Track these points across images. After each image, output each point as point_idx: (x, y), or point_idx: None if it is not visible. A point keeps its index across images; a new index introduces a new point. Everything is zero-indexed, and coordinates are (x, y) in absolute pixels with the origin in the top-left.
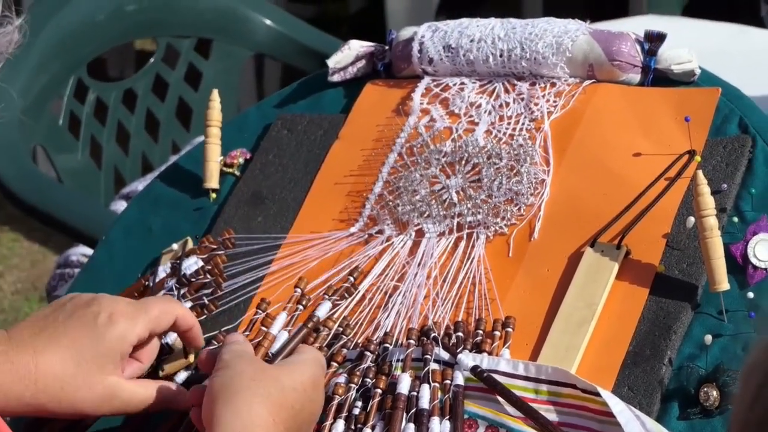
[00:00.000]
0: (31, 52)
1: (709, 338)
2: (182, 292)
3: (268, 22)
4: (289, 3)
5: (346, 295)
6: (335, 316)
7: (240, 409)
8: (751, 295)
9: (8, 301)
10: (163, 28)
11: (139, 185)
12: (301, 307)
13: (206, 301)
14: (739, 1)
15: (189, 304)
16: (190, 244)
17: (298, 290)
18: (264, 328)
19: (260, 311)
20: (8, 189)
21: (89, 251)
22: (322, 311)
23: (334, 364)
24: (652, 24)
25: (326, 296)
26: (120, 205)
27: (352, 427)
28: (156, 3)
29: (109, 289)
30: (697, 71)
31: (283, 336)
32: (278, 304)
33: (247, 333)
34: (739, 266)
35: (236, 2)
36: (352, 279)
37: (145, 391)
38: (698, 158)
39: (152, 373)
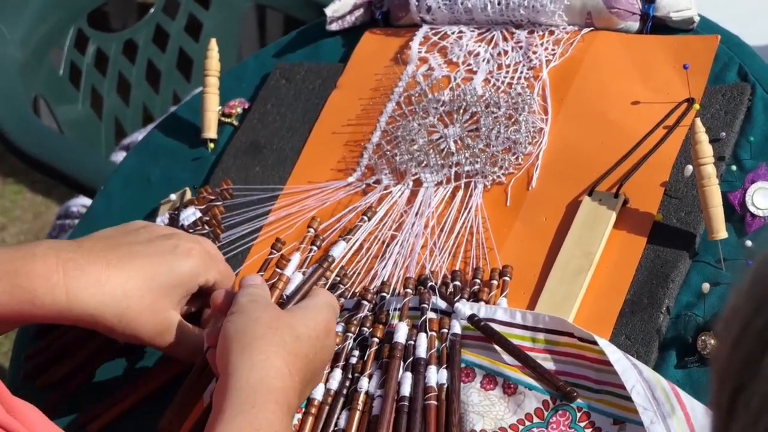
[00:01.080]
0: (30, 2)
1: (706, 286)
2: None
3: None
4: None
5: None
6: (332, 265)
7: (255, 360)
8: (749, 243)
9: None
10: None
11: (139, 136)
12: (314, 247)
13: None
14: None
15: None
16: (189, 195)
17: (311, 230)
18: (279, 270)
19: (275, 251)
20: (9, 141)
21: (89, 202)
22: (337, 251)
23: None
24: None
25: (341, 237)
26: (120, 156)
27: (350, 375)
28: None
29: None
30: (696, 18)
31: (298, 278)
32: (292, 244)
33: (261, 273)
34: (737, 214)
35: None
36: (365, 218)
37: (198, 335)
38: (697, 106)
39: None
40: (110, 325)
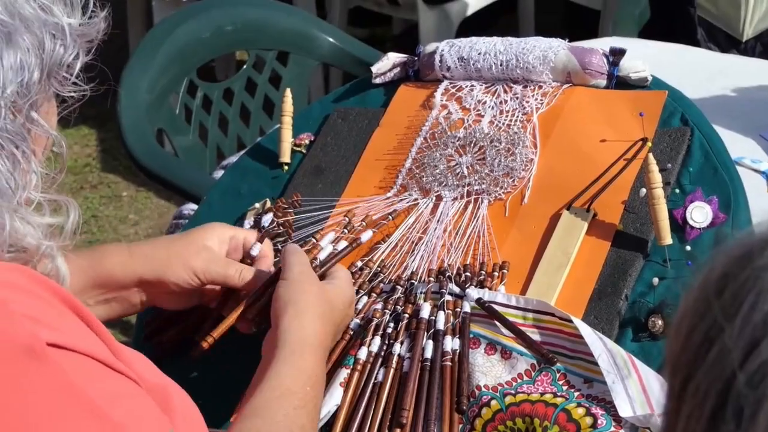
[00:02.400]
0: (154, 61)
1: (656, 280)
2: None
3: (330, 39)
4: (348, 26)
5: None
6: (375, 258)
7: (304, 325)
8: (688, 248)
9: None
10: (253, 43)
11: (234, 159)
12: (345, 231)
13: (279, 247)
14: (681, 28)
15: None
16: (268, 204)
17: (346, 219)
18: (313, 239)
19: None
20: (139, 162)
21: (196, 207)
22: (365, 237)
23: (374, 294)
24: (615, 43)
25: (372, 225)
26: (220, 174)
27: (386, 342)
28: (247, 24)
29: None
30: (650, 78)
31: (329, 248)
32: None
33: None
34: (679, 226)
35: (307, 25)
36: (390, 217)
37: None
38: (649, 144)
39: None
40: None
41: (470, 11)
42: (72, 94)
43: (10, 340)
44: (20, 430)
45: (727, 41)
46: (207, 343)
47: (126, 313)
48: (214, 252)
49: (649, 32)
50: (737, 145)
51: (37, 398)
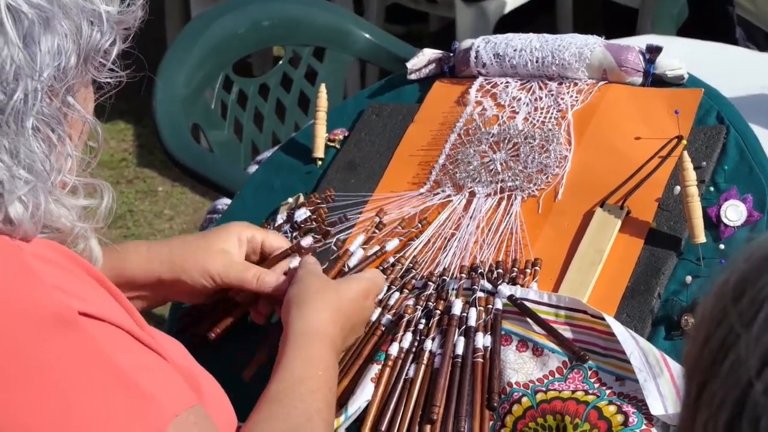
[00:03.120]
0: (191, 55)
1: (689, 279)
2: (294, 234)
3: (367, 35)
4: (385, 23)
5: (414, 239)
6: (407, 254)
7: (307, 315)
8: (722, 246)
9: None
10: (289, 38)
11: (268, 153)
12: (376, 230)
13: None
14: (719, 27)
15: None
16: (302, 199)
17: (377, 218)
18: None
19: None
20: (174, 157)
21: (230, 202)
22: (390, 246)
23: (405, 290)
24: (653, 41)
25: (398, 235)
26: (254, 169)
27: (418, 338)
28: (283, 20)
29: None
30: (686, 76)
31: (359, 253)
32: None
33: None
34: (713, 224)
35: (343, 20)
36: (419, 225)
37: (257, 270)
38: (684, 142)
39: None
40: (183, 267)
41: (508, 9)
42: (108, 80)
43: (41, 307)
44: (48, 394)
45: (766, 41)
46: (214, 334)
47: (147, 309)
48: (231, 255)
49: (687, 31)
50: None
51: (66, 364)
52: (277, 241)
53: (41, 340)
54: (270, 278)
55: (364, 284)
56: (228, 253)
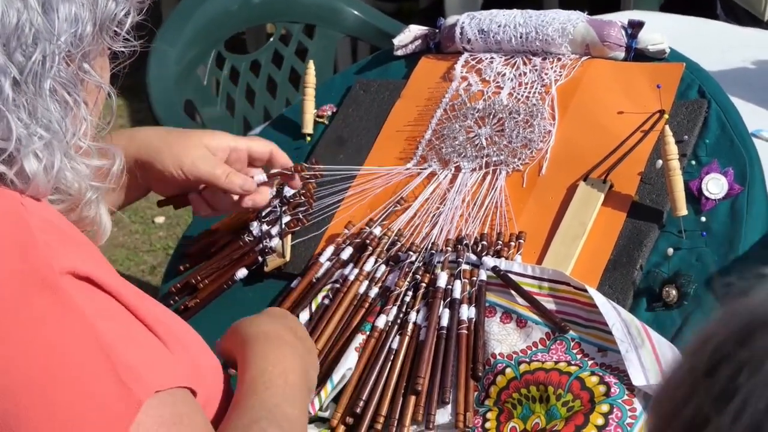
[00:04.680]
0: (183, 33)
1: (670, 251)
2: (284, 209)
3: (356, 12)
4: (376, 1)
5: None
6: (393, 227)
7: (256, 323)
8: (703, 219)
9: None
10: (280, 15)
11: (257, 129)
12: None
13: (301, 216)
14: (701, 2)
15: (288, 218)
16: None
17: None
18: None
19: (346, 230)
20: None
21: None
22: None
23: (391, 263)
24: (635, 17)
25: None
26: None
27: (403, 310)
28: None
29: None
30: (667, 50)
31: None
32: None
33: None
34: (695, 197)
35: None
36: (398, 207)
37: (228, 169)
38: (666, 116)
39: (259, 267)
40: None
41: None
42: (123, 49)
43: (28, 267)
44: (21, 356)
45: (747, 18)
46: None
47: (128, 201)
48: (206, 152)
49: (669, 7)
50: (755, 117)
51: (42, 331)
52: (261, 147)
53: (14, 302)
54: (238, 179)
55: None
56: (204, 149)
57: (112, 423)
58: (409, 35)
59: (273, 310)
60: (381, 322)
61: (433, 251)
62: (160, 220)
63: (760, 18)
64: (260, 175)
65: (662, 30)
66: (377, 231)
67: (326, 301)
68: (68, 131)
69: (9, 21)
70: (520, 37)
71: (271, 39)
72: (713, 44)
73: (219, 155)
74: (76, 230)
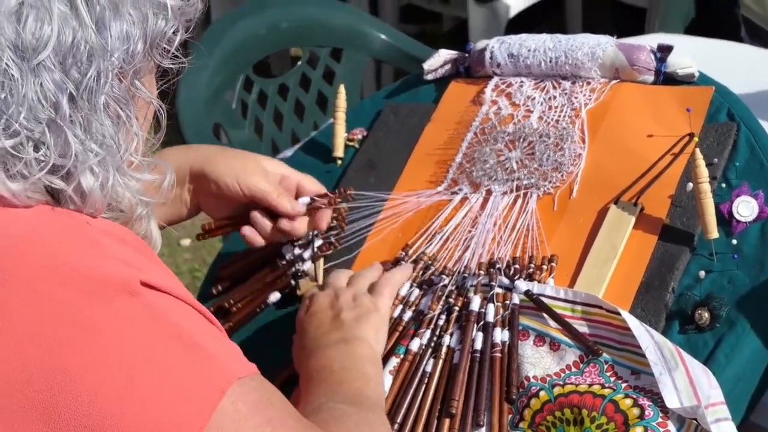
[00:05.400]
0: (212, 57)
1: (702, 273)
2: (316, 233)
3: (383, 36)
4: (400, 23)
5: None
6: (428, 251)
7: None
8: (734, 241)
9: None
10: (307, 39)
11: (288, 153)
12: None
13: (333, 239)
14: (725, 26)
15: (320, 241)
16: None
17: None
18: None
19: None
20: None
21: None
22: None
23: (425, 287)
24: (663, 40)
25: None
26: None
27: (436, 333)
28: (302, 21)
29: None
30: (696, 74)
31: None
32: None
33: None
34: (725, 220)
35: (359, 22)
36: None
37: (281, 191)
38: (696, 139)
39: (291, 291)
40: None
41: (518, 9)
42: (171, 66)
43: (106, 276)
44: (114, 357)
45: None
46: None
47: (178, 218)
48: (262, 170)
49: (694, 30)
50: None
51: (131, 330)
52: (312, 185)
53: (106, 307)
54: (289, 202)
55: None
56: (262, 168)
57: (200, 408)
58: (439, 59)
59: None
60: (415, 345)
61: (466, 275)
62: (186, 242)
63: None
64: (304, 200)
65: (689, 53)
66: (412, 256)
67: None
68: (121, 146)
69: (65, 39)
70: (550, 62)
71: (299, 63)
72: (740, 67)
73: (272, 178)
74: (139, 240)
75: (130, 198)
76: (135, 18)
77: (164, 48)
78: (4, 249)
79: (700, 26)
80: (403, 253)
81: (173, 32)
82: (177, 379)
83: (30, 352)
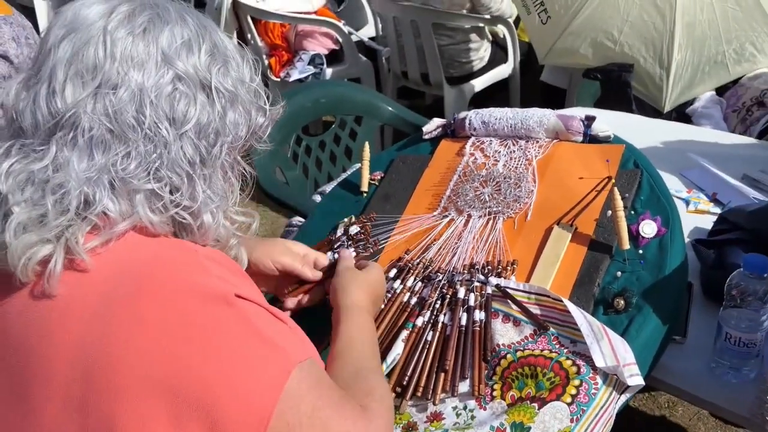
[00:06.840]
0: (276, 122)
1: (619, 273)
2: (348, 243)
3: (390, 108)
4: (397, 99)
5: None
6: (427, 257)
7: (349, 295)
8: (640, 251)
9: None
10: (339, 110)
11: (327, 188)
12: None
13: (361, 248)
14: (621, 102)
15: (352, 249)
16: (353, 219)
17: (406, 255)
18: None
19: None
20: (263, 188)
21: (302, 220)
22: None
23: (425, 281)
24: (580, 111)
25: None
26: (317, 197)
27: (434, 314)
28: (335, 97)
29: (312, 240)
30: (612, 136)
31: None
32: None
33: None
34: (634, 237)
35: (374, 98)
36: (427, 257)
37: (304, 264)
38: (613, 180)
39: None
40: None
41: (477, 89)
42: (259, 147)
43: (212, 290)
44: (220, 351)
45: (652, 111)
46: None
47: None
48: (289, 251)
49: (600, 104)
50: (670, 181)
51: (230, 330)
52: (323, 260)
53: (213, 313)
54: (310, 271)
55: (377, 273)
56: (288, 248)
57: (274, 384)
58: (434, 124)
59: (370, 272)
60: (419, 321)
61: (454, 273)
62: None
63: (660, 110)
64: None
65: (601, 121)
66: (415, 259)
67: (381, 306)
68: (229, 197)
69: (202, 119)
70: (511, 127)
71: (333, 126)
72: (633, 130)
73: (296, 255)
74: (232, 261)
75: (227, 233)
76: (243, 111)
77: (259, 135)
78: (139, 269)
79: (605, 101)
80: (407, 256)
81: (267, 126)
82: (258, 365)
83: (160, 348)
